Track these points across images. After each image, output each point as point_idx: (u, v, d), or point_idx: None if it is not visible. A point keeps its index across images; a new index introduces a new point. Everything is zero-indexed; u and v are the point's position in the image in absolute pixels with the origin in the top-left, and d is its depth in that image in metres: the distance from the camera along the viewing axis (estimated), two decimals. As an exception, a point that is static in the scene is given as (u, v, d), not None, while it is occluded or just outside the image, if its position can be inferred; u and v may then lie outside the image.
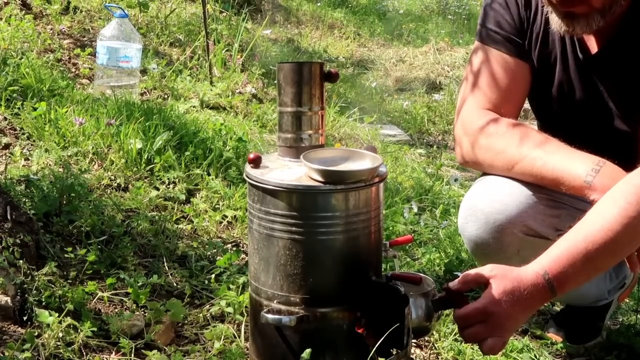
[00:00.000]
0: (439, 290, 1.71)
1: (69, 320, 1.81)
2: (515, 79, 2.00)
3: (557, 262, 1.57)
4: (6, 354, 1.62)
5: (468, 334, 1.60)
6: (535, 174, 1.83)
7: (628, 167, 1.71)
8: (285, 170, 1.62)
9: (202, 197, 2.84)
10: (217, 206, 2.81)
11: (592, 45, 1.91)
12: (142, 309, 2.04)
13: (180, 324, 2.03)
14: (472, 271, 1.63)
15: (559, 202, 1.94)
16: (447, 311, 2.23)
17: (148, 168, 2.93)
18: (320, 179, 1.55)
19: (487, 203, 1.92)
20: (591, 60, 1.92)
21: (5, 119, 3.06)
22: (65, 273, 2.08)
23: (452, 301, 1.65)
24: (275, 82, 1.71)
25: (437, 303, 1.65)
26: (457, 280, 1.64)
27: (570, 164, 1.77)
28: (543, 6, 1.90)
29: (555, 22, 1.82)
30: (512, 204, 1.89)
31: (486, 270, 1.61)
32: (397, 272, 1.73)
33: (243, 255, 2.41)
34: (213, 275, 2.27)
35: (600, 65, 1.91)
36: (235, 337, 1.97)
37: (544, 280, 1.55)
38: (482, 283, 1.61)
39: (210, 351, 1.90)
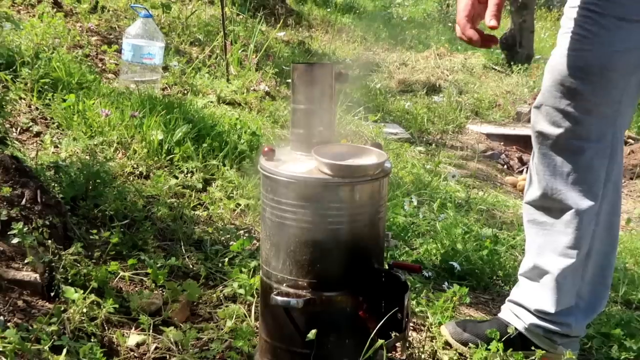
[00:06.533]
0: None
1: (92, 297, 1.81)
2: None
3: None
4: (35, 327, 1.62)
5: None
6: None
7: None
8: (297, 163, 1.62)
9: (217, 186, 2.84)
10: (231, 195, 2.81)
11: None
12: (161, 289, 2.05)
13: (195, 303, 2.03)
14: None
15: None
16: (440, 302, 2.23)
17: (168, 158, 2.93)
18: (329, 172, 1.55)
19: None
20: None
21: (37, 109, 3.07)
22: (90, 253, 2.09)
23: None
24: (288, 81, 1.71)
25: None
26: None
27: None
28: None
29: None
30: None
31: None
32: (398, 261, 1.73)
33: (255, 241, 2.41)
34: (226, 259, 2.27)
35: None
36: (246, 317, 1.97)
37: None
38: None
39: (222, 329, 1.91)
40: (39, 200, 2.04)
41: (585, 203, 1.90)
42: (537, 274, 2.00)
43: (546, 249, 1.97)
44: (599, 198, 1.91)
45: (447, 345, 2.05)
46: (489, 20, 1.60)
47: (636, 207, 4.72)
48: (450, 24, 10.86)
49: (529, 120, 7.02)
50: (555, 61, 1.88)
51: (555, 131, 1.89)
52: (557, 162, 1.92)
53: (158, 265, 2.09)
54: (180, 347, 1.78)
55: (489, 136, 6.13)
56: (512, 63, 8.49)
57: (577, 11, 1.82)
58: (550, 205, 1.95)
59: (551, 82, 1.89)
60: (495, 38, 1.67)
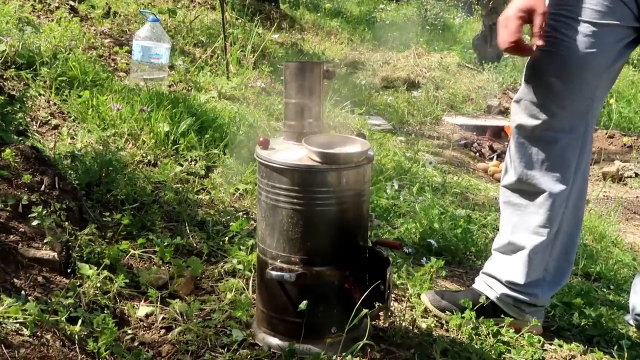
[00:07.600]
0: None
1: (105, 273, 1.80)
2: None
3: None
4: (53, 300, 1.61)
5: None
6: None
7: None
8: (289, 152, 1.61)
9: (218, 173, 2.82)
10: (231, 180, 2.79)
11: None
12: (167, 265, 2.03)
13: (198, 278, 2.02)
14: None
15: None
16: (418, 275, 2.22)
17: (174, 147, 2.91)
18: (318, 159, 1.54)
19: None
20: None
21: (55, 104, 3.03)
22: (103, 234, 2.07)
23: None
24: (282, 78, 1.69)
25: None
26: None
27: None
28: None
29: None
30: None
31: None
32: (380, 239, 1.72)
33: (252, 222, 2.40)
34: (227, 238, 2.26)
35: None
36: (244, 290, 1.96)
37: None
38: None
39: (223, 301, 1.89)
40: (56, 186, 2.02)
41: (557, 187, 1.89)
42: (510, 249, 1.99)
43: (520, 228, 1.96)
44: (570, 184, 1.91)
45: (425, 313, 2.04)
46: (537, 40, 1.75)
47: (594, 189, 4.72)
48: (427, 27, 10.82)
49: (498, 113, 7.00)
50: (534, 60, 1.86)
51: (532, 123, 1.88)
52: (533, 151, 1.90)
53: (165, 244, 2.07)
54: (185, 317, 1.77)
55: (463, 127, 6.12)
56: (483, 62, 8.46)
57: (551, 16, 1.80)
58: (525, 189, 1.94)
59: (530, 79, 1.88)
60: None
